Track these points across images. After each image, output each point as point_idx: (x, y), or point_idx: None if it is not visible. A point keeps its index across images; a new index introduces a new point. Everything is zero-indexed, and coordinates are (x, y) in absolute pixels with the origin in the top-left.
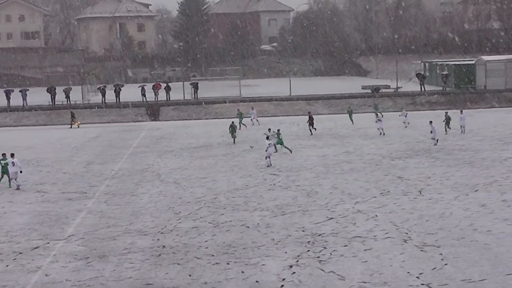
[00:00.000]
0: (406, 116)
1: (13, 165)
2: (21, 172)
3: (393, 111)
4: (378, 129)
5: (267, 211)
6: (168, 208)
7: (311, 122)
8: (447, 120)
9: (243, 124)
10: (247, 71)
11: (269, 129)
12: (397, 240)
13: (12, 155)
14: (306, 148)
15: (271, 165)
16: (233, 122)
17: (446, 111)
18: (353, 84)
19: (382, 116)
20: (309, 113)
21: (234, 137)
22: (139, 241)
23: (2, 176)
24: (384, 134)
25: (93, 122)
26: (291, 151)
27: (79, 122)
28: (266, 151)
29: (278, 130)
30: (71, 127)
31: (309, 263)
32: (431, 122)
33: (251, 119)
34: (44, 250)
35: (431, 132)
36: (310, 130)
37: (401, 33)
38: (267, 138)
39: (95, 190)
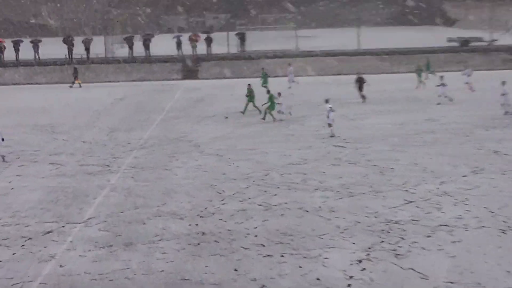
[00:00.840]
0: (469, 75)
1: None
2: (2, 140)
3: (486, 70)
4: (439, 96)
5: (330, 191)
6: (209, 186)
7: (360, 85)
8: None
9: (265, 87)
10: (305, 19)
11: (279, 93)
12: (493, 230)
13: None
14: (379, 114)
15: (334, 134)
16: (249, 85)
17: None
18: (437, 35)
19: (433, 75)
20: (358, 74)
21: (247, 107)
22: (173, 226)
23: None
24: (451, 99)
25: (118, 80)
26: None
27: (80, 81)
28: (327, 117)
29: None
30: (71, 86)
31: (383, 257)
32: (504, 82)
33: (288, 80)
34: (58, 235)
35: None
36: (362, 97)
37: None
38: (327, 101)
39: (120, 162)
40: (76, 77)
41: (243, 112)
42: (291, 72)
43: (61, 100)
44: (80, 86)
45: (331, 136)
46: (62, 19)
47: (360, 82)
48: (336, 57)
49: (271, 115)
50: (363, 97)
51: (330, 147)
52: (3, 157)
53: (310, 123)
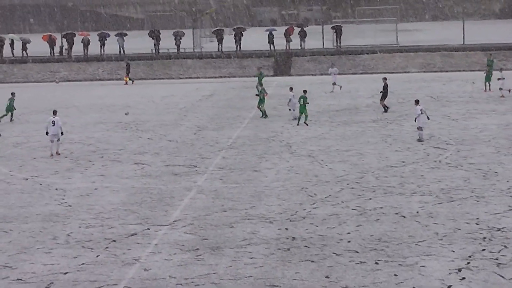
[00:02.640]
0: (503, 80)
1: (53, 124)
2: (62, 134)
3: None
4: (500, 89)
5: (429, 196)
6: (300, 188)
7: (384, 93)
8: None
9: (262, 88)
10: (406, 11)
11: (291, 88)
12: None
13: (55, 113)
14: (483, 114)
15: (422, 139)
16: (305, 91)
17: None
18: None
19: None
20: (384, 79)
21: (262, 109)
22: (263, 230)
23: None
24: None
25: (206, 76)
26: (306, 124)
27: (127, 78)
28: (415, 120)
29: (304, 92)
30: (126, 83)
31: (484, 266)
32: None
33: (333, 83)
34: (143, 238)
35: None
36: (384, 107)
37: None
38: (417, 102)
39: (208, 163)
40: (127, 74)
41: (263, 116)
42: (335, 73)
43: (146, 96)
44: (128, 83)
45: (419, 140)
46: (149, 11)
47: (384, 90)
48: (439, 52)
49: (305, 121)
50: (385, 107)
51: (430, 149)
52: (57, 151)
53: (409, 123)
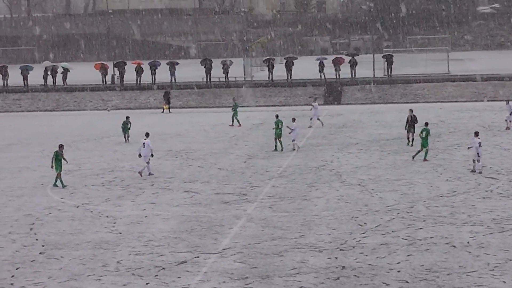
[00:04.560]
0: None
1: (144, 146)
2: (152, 156)
3: None
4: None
5: (480, 226)
6: (350, 217)
7: (411, 124)
8: None
9: (236, 119)
10: (458, 40)
11: (293, 119)
12: None
13: (147, 135)
14: None
15: (478, 170)
16: (277, 116)
17: None
18: None
19: None
20: (410, 111)
21: (276, 143)
22: (312, 259)
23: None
24: None
25: (257, 105)
26: (282, 148)
27: (167, 106)
28: (468, 148)
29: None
30: (163, 111)
31: None
32: None
33: (315, 117)
34: (192, 266)
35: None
36: (408, 139)
37: None
38: (476, 134)
39: (258, 191)
40: (167, 102)
41: (277, 150)
42: (316, 107)
43: (196, 124)
44: (163, 111)
45: (478, 172)
46: (199, 40)
47: (411, 121)
48: (491, 81)
49: (281, 143)
50: (409, 140)
51: (481, 178)
52: (150, 172)
53: (460, 152)
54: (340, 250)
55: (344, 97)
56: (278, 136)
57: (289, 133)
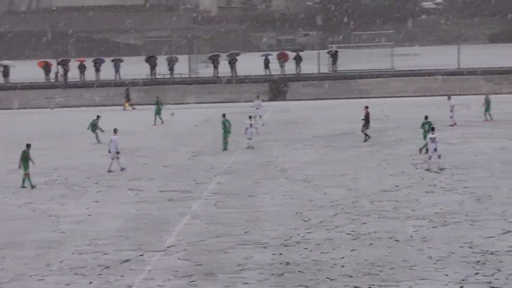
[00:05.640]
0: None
1: (111, 142)
2: (118, 152)
3: None
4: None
5: (423, 220)
6: (295, 213)
7: (366, 120)
8: None
9: (160, 117)
10: (402, 36)
11: (250, 117)
12: None
13: (115, 131)
14: (480, 138)
15: (437, 168)
16: (224, 115)
17: None
18: None
19: None
20: (366, 107)
21: (224, 142)
22: (257, 255)
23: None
24: None
25: (202, 102)
26: (225, 148)
27: (128, 103)
28: (427, 150)
29: (223, 115)
30: (125, 108)
31: None
32: None
33: (256, 115)
34: (136, 264)
35: None
36: (365, 134)
37: None
38: (432, 130)
39: (203, 188)
40: (127, 100)
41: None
42: (260, 106)
43: (141, 122)
44: (126, 109)
45: (428, 170)
46: (145, 38)
47: (366, 118)
48: (435, 76)
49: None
50: (366, 136)
51: (425, 173)
52: (122, 168)
53: (405, 147)
54: (285, 246)
55: (289, 93)
56: (226, 135)
57: (245, 131)
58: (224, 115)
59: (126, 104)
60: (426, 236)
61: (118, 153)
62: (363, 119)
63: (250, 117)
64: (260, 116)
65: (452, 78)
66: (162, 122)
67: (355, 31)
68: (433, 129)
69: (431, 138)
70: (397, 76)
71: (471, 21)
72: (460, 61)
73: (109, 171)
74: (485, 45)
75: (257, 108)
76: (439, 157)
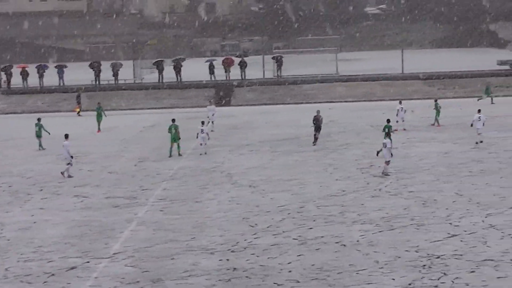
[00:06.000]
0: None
1: (63, 147)
2: (72, 157)
3: None
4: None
5: (370, 224)
6: (242, 219)
7: (317, 125)
8: None
9: (98, 124)
10: (346, 41)
11: (203, 122)
12: None
13: (66, 137)
14: (424, 142)
15: (387, 173)
16: (173, 120)
17: None
18: (487, 58)
19: (493, 102)
20: (317, 112)
21: (172, 148)
22: (204, 261)
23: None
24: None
25: (147, 108)
26: (179, 154)
27: (78, 109)
28: (381, 150)
29: (173, 120)
30: (78, 113)
31: None
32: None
33: (209, 120)
34: (83, 271)
35: None
36: (315, 137)
37: None
38: (387, 135)
39: (149, 194)
40: (77, 104)
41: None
42: (213, 111)
43: (87, 128)
44: (78, 115)
45: (384, 174)
46: (89, 43)
47: (317, 121)
48: (379, 81)
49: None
50: (315, 139)
51: (370, 177)
52: (69, 175)
53: (351, 152)
54: (232, 251)
55: (234, 99)
56: (174, 140)
57: (198, 135)
58: (173, 120)
59: (77, 109)
60: (373, 241)
61: (72, 157)
62: (314, 123)
63: (202, 122)
64: (212, 122)
65: (396, 83)
66: (99, 130)
67: (299, 36)
68: (387, 134)
69: (383, 143)
70: (342, 81)
71: (415, 26)
72: (404, 66)
73: (69, 176)
74: (429, 50)
75: (212, 114)
76: (387, 162)
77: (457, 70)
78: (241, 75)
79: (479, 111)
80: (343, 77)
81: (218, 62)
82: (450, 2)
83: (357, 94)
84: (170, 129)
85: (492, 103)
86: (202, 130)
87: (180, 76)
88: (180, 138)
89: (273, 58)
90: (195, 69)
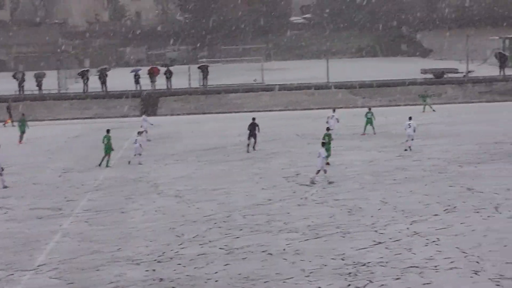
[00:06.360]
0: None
1: None
2: (2, 169)
3: (462, 102)
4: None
5: (296, 233)
6: (168, 229)
7: (252, 130)
8: None
9: (21, 134)
10: (272, 51)
11: (139, 132)
12: (466, 271)
13: None
14: (349, 150)
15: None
16: (108, 131)
17: None
18: (410, 67)
19: (433, 110)
20: (253, 119)
21: (104, 159)
22: (130, 272)
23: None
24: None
25: (72, 118)
26: (107, 165)
27: (10, 120)
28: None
29: (107, 131)
30: (4, 125)
31: None
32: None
33: (143, 129)
34: (7, 284)
35: None
36: (248, 145)
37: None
38: (323, 144)
39: (74, 205)
40: (9, 115)
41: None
42: (146, 120)
43: (11, 138)
44: (6, 125)
45: (312, 183)
46: (12, 53)
47: (252, 127)
48: (304, 90)
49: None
50: (249, 146)
51: (296, 186)
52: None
53: (277, 161)
54: (158, 262)
55: (160, 108)
56: (106, 151)
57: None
58: (108, 131)
59: (9, 121)
60: (299, 249)
61: (2, 169)
62: (249, 131)
63: (138, 132)
64: (146, 132)
65: (321, 92)
66: (20, 141)
67: (225, 45)
68: (323, 144)
69: (319, 152)
70: (267, 90)
71: (340, 35)
72: (329, 75)
73: (4, 187)
74: (354, 59)
75: (152, 124)
76: (323, 171)
77: (381, 79)
78: (167, 85)
79: (410, 118)
80: (268, 86)
81: (143, 71)
82: (374, 12)
83: (283, 103)
84: (103, 139)
85: (433, 110)
86: (136, 141)
87: (105, 85)
88: (113, 149)
89: (198, 67)
90: (120, 79)
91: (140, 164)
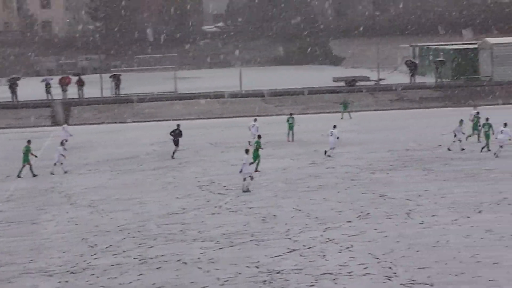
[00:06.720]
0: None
1: None
2: None
3: (374, 110)
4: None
5: (210, 241)
6: (81, 239)
7: (176, 137)
8: (477, 121)
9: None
10: (185, 59)
11: (61, 142)
12: (379, 277)
13: None
14: (262, 158)
15: (248, 190)
16: (29, 141)
17: (477, 111)
18: (322, 75)
19: (351, 117)
20: (177, 125)
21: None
22: (43, 284)
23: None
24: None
25: None
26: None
27: None
28: (240, 171)
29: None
30: None
31: None
32: (461, 121)
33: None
34: None
35: (455, 135)
36: (174, 152)
37: (385, 8)
38: (247, 152)
39: None
40: None
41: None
42: (66, 130)
43: None
44: None
45: (245, 192)
46: None
47: (175, 133)
48: (217, 99)
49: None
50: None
51: (210, 195)
52: None
53: (190, 169)
54: (71, 273)
55: (72, 118)
56: (24, 161)
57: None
58: (28, 142)
59: None
60: (213, 258)
61: None
62: (172, 137)
63: (61, 142)
64: (66, 141)
65: (235, 100)
66: None
67: (138, 54)
68: (246, 151)
69: (247, 163)
70: (180, 99)
71: (253, 44)
72: (242, 84)
73: None
74: (267, 68)
75: (70, 135)
76: (249, 178)
77: (294, 87)
78: (79, 94)
79: (334, 126)
80: (181, 95)
81: (54, 81)
82: (287, 20)
83: (196, 112)
84: (23, 149)
85: (350, 118)
86: (57, 149)
87: (15, 95)
88: (29, 162)
89: (110, 76)
90: (31, 88)
91: (52, 174)
